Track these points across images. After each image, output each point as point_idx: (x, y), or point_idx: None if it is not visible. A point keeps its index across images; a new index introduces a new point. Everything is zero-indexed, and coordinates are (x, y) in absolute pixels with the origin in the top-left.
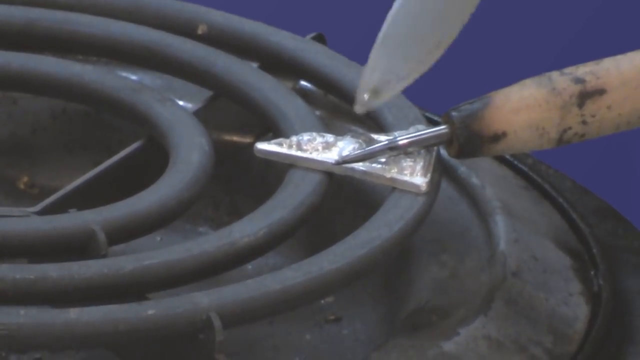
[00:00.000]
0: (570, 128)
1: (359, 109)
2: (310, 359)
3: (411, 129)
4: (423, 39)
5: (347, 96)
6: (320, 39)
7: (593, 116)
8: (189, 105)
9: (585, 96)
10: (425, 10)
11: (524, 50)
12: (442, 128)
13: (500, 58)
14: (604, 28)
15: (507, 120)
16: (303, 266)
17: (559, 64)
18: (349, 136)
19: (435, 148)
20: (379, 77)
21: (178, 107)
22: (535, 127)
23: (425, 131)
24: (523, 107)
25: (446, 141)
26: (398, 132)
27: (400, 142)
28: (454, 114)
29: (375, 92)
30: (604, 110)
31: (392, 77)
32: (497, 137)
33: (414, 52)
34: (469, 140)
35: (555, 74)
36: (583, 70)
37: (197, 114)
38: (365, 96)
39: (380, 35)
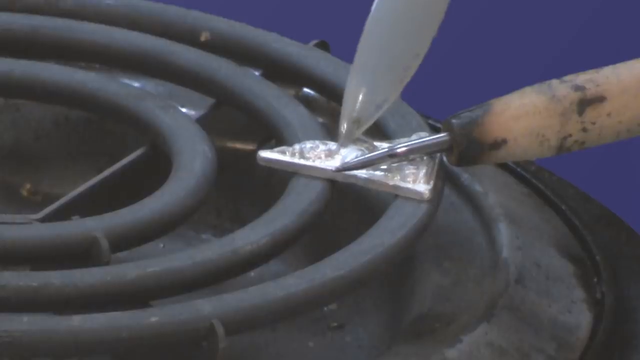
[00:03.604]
0: (570, 135)
1: (344, 142)
2: None
3: (414, 136)
4: (395, 59)
5: None
6: (323, 46)
7: (593, 123)
8: (192, 113)
9: (585, 103)
10: (393, 30)
11: (524, 58)
12: (442, 135)
13: (501, 66)
14: (603, 36)
15: (507, 127)
16: (306, 273)
17: (559, 72)
18: (351, 143)
19: (438, 155)
20: (359, 106)
21: (181, 115)
22: (536, 135)
23: (425, 139)
24: (523, 114)
25: (446, 148)
26: (401, 139)
27: (400, 150)
28: (453, 121)
29: (357, 122)
30: (604, 117)
31: (371, 103)
32: (497, 144)
33: (388, 73)
34: (469, 148)
35: (555, 82)
36: (583, 77)
37: (200, 121)
38: (349, 128)
39: (353, 63)
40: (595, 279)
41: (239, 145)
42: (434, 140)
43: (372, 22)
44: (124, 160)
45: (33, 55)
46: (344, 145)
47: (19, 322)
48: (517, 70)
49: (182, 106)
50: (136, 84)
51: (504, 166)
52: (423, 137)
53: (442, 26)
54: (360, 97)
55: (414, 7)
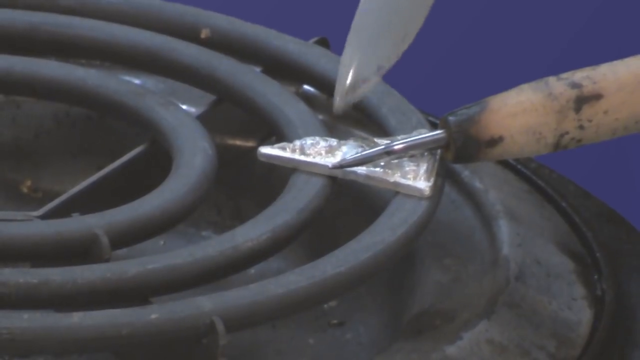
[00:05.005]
0: (567, 133)
1: (338, 108)
2: None
3: (414, 133)
4: (392, 28)
5: None
6: (323, 43)
7: (590, 121)
8: (192, 110)
9: (582, 101)
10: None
11: (523, 55)
12: (438, 132)
13: (501, 63)
14: (601, 34)
15: (503, 124)
16: (306, 270)
17: (556, 70)
18: (352, 140)
19: (439, 152)
20: (354, 73)
21: (181, 111)
22: (532, 132)
23: (422, 136)
24: (520, 112)
25: (443, 145)
26: (401, 136)
27: (397, 147)
28: (450, 118)
29: (352, 89)
30: (601, 115)
31: (366, 70)
32: (494, 142)
33: (384, 42)
34: (466, 145)
35: (552, 79)
36: (580, 75)
37: (200, 118)
38: (343, 94)
39: (351, 30)
40: (595, 276)
41: (239, 142)
42: (431, 137)
43: None
44: (125, 157)
45: (33, 52)
46: (338, 111)
47: (19, 319)
48: (516, 67)
49: (183, 103)
50: (136, 81)
51: (504, 163)
52: (421, 134)
53: (441, 24)
54: (356, 61)
55: None
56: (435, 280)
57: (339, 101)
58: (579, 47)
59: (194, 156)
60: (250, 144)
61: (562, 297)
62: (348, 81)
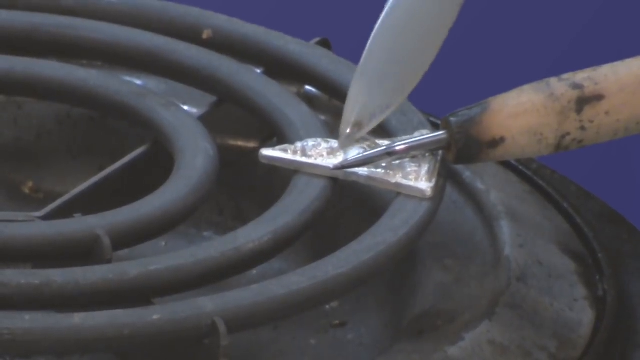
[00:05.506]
0: (568, 134)
1: (343, 143)
2: None
3: (416, 134)
4: (400, 67)
5: None
6: (325, 43)
7: (591, 122)
8: (194, 110)
9: (584, 102)
10: (401, 39)
11: (523, 56)
12: (440, 133)
13: (503, 63)
14: (602, 35)
15: (505, 125)
16: (308, 271)
17: (557, 70)
18: (353, 143)
19: (440, 152)
20: (360, 110)
21: (183, 112)
22: (534, 133)
23: (423, 136)
24: (521, 113)
25: (444, 146)
26: (403, 137)
27: (398, 148)
28: (452, 119)
29: (358, 125)
30: (602, 115)
31: (373, 108)
32: (495, 143)
33: (392, 80)
34: (467, 146)
35: (553, 80)
36: (581, 76)
37: (202, 119)
38: (349, 130)
39: (358, 67)
40: (597, 277)
41: (241, 143)
42: (432, 138)
43: (381, 27)
44: (126, 158)
45: (34, 52)
46: (343, 147)
47: (21, 319)
48: (518, 68)
49: (184, 104)
50: (138, 82)
51: (505, 164)
52: (423, 135)
53: None
54: (363, 100)
55: (423, 17)
56: (437, 281)
57: (344, 138)
58: (580, 48)
59: (195, 157)
60: (251, 144)
61: (564, 298)
62: (353, 119)
